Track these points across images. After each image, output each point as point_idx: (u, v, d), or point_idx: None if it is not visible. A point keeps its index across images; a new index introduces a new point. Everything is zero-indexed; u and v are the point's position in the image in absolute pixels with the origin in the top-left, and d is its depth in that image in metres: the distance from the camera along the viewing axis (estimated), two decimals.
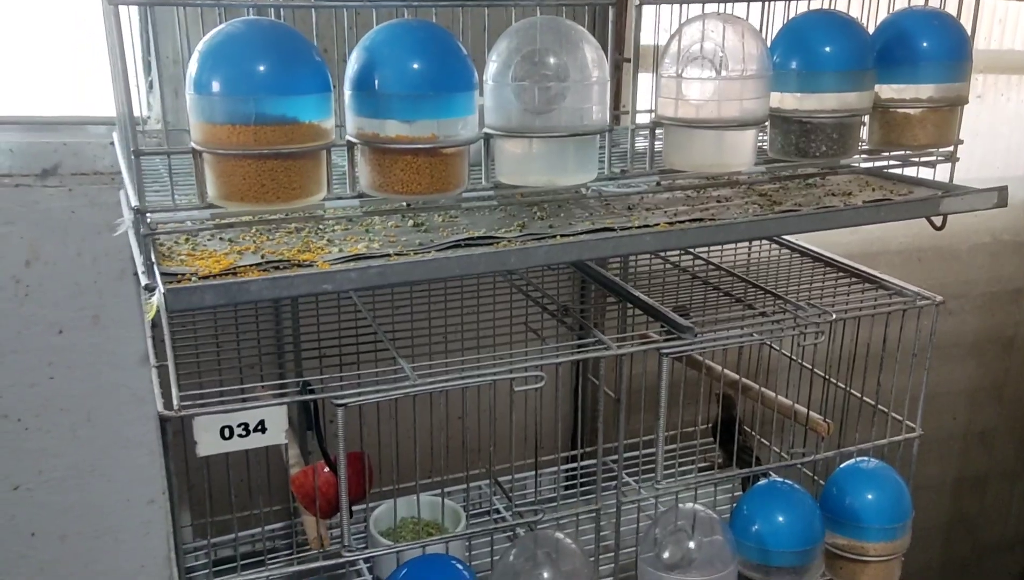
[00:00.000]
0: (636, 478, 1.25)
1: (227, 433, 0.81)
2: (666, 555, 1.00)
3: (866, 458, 1.10)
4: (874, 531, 1.05)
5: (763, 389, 1.13)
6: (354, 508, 0.90)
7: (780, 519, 1.02)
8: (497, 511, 1.19)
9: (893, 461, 1.10)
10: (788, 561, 1.01)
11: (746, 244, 1.25)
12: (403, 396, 0.86)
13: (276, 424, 0.83)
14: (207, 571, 0.91)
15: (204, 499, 1.07)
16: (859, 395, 1.12)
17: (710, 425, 1.29)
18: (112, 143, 1.08)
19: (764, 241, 1.25)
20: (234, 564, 0.94)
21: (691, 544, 0.99)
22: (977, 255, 1.82)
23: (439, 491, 1.10)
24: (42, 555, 1.22)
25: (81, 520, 1.23)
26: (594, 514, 1.00)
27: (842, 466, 1.09)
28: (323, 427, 0.94)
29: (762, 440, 1.22)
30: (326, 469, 0.91)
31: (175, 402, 0.80)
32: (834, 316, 0.99)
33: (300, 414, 1.16)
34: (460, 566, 0.91)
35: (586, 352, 0.94)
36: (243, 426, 0.82)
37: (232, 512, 0.92)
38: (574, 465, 1.33)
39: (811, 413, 1.09)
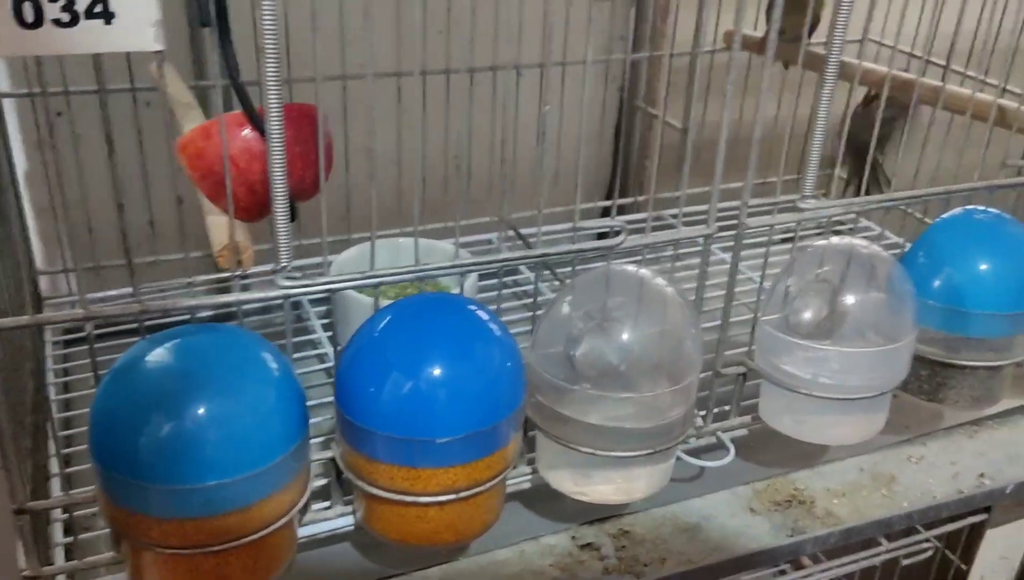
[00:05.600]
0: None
1: (32, 14, 0.42)
2: (806, 315, 0.63)
3: None
4: None
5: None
6: (300, 207, 0.51)
7: (983, 266, 0.65)
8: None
9: None
10: (992, 330, 0.64)
11: None
12: None
13: (132, 5, 0.43)
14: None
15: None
16: None
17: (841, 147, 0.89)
18: None
19: None
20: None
21: (848, 299, 0.62)
22: None
23: (443, 232, 0.72)
24: None
25: None
26: (703, 241, 0.61)
27: None
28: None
29: None
30: (245, 131, 0.51)
31: None
32: None
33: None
34: (477, 308, 0.53)
35: None
36: (65, 6, 0.42)
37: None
38: (606, 222, 0.94)
39: None
